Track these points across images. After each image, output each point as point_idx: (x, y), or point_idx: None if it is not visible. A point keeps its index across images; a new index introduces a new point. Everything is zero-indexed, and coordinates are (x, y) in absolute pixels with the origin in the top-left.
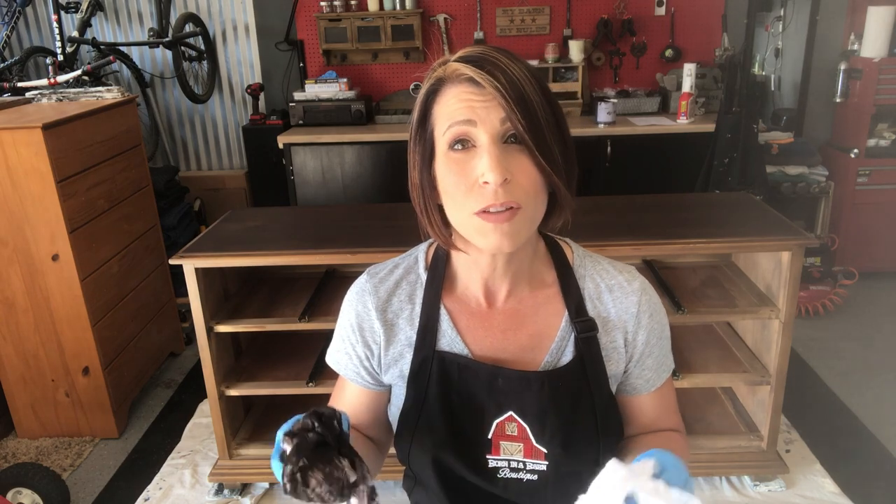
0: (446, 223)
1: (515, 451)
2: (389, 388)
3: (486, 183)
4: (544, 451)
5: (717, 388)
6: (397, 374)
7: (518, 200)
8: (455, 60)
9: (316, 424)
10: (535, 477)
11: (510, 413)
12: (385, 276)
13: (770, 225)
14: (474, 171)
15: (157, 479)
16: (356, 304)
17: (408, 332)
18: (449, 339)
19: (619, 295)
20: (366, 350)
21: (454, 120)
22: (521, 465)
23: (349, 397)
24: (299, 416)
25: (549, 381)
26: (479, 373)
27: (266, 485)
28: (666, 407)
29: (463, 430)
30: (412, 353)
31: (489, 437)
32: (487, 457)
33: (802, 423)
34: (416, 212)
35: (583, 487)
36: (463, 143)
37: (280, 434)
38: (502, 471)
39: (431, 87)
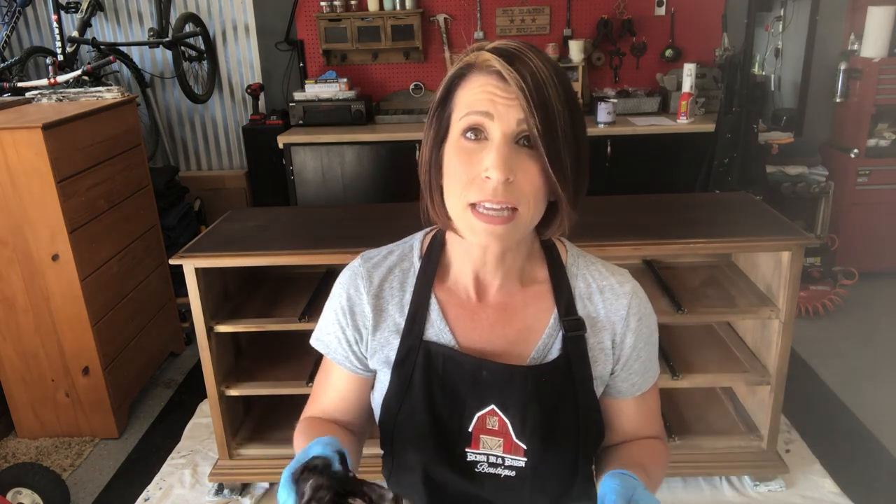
0: (444, 205)
1: (495, 446)
2: (374, 373)
3: (487, 178)
4: (524, 447)
5: (717, 388)
6: (382, 360)
7: (516, 201)
8: (488, 50)
9: (324, 480)
10: (513, 473)
11: (492, 407)
12: (379, 262)
13: (770, 225)
14: (480, 163)
15: (157, 479)
16: (348, 286)
17: (396, 319)
18: (437, 330)
19: (610, 296)
20: (355, 334)
21: (473, 109)
22: (499, 461)
23: (335, 381)
24: (304, 462)
25: (534, 376)
26: (464, 364)
27: (266, 485)
28: (649, 413)
29: (444, 421)
30: (399, 339)
31: (469, 430)
32: (466, 450)
33: (802, 423)
34: (420, 188)
35: (559, 487)
36: (476, 133)
37: (289, 483)
38: (480, 465)
39: (459, 71)
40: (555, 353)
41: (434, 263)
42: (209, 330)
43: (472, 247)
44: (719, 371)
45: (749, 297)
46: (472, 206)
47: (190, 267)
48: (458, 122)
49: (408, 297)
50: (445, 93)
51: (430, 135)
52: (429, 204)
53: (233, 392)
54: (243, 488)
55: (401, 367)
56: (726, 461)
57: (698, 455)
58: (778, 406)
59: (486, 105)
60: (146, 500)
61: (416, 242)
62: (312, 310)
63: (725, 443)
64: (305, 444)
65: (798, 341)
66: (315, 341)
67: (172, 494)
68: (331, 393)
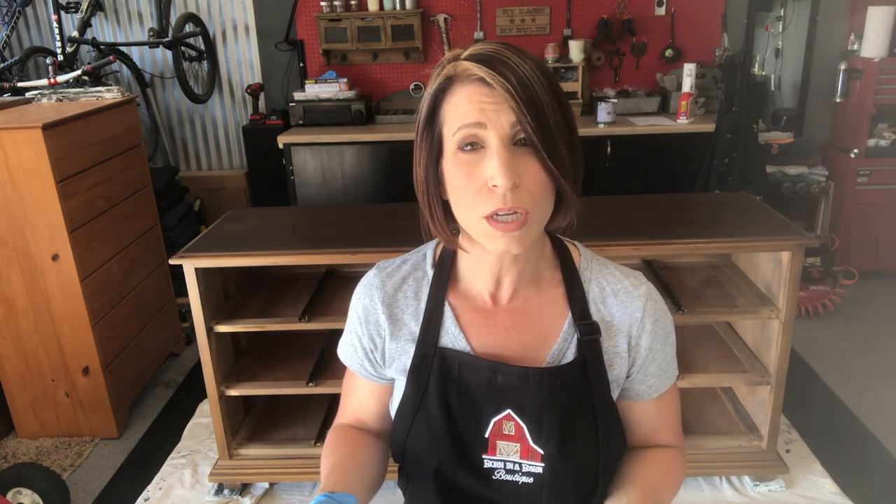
0: (449, 219)
1: (512, 452)
2: (393, 382)
3: (494, 186)
4: (541, 452)
5: (717, 388)
6: (400, 369)
7: (526, 206)
8: (465, 59)
9: None
10: (531, 480)
11: (508, 411)
12: (393, 272)
13: (770, 225)
14: (483, 173)
15: (157, 479)
16: (363, 297)
17: (412, 328)
18: (452, 336)
19: (625, 299)
20: (370, 343)
21: (464, 122)
22: (516, 467)
23: (358, 389)
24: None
25: (549, 378)
26: (480, 369)
27: (266, 485)
28: (667, 416)
29: (460, 427)
30: (414, 348)
31: (486, 436)
32: (483, 456)
33: (802, 423)
34: (419, 207)
35: (578, 496)
36: (472, 145)
37: None
38: (497, 472)
39: (440, 86)
40: (570, 356)
41: (447, 271)
42: (209, 330)
43: (486, 254)
44: (719, 371)
45: (749, 297)
46: (487, 217)
47: (190, 267)
48: (451, 137)
49: (422, 305)
50: (430, 110)
51: (423, 154)
52: (430, 221)
53: (233, 392)
54: (243, 488)
55: (416, 374)
56: (726, 461)
57: (698, 455)
58: (778, 406)
59: (477, 115)
60: (146, 500)
61: (428, 251)
62: (312, 310)
63: (725, 443)
64: (328, 466)
65: (798, 341)
66: (338, 351)
67: (172, 494)
68: (354, 400)
